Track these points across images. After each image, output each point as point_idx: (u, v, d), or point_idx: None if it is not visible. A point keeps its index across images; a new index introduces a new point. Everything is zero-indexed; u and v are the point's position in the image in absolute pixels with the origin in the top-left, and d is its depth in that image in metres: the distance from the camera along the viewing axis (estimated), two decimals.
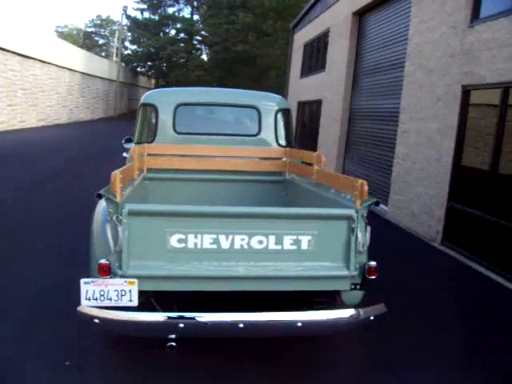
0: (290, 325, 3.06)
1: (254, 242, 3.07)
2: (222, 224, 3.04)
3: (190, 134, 5.12)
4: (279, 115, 5.24)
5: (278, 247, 3.10)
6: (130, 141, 6.35)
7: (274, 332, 3.16)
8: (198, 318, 2.95)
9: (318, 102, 15.81)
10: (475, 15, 7.28)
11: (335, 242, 3.18)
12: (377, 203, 3.19)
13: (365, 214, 3.18)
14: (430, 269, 6.47)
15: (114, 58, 49.93)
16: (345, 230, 3.18)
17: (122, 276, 2.92)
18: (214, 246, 3.03)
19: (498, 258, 6.34)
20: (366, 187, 3.16)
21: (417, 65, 8.97)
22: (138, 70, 42.14)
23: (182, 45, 39.58)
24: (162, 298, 3.23)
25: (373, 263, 3.19)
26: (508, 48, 6.33)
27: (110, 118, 34.22)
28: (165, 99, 5.10)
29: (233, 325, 2.97)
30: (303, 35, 18.88)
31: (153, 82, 46.72)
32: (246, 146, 5.14)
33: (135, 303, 2.95)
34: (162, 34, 40.01)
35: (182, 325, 2.92)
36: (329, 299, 3.43)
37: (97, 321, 2.90)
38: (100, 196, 2.90)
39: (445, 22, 7.99)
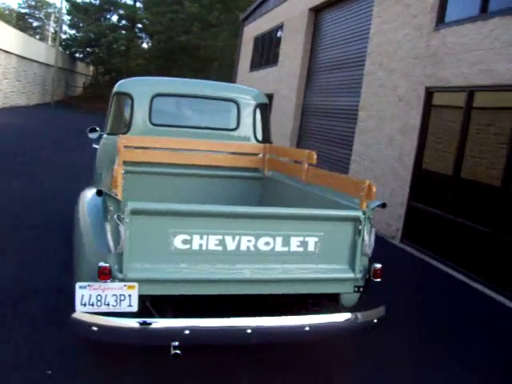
0: (299, 329, 2.96)
1: (261, 244, 2.94)
2: (229, 224, 2.88)
3: (167, 126, 4.88)
4: (258, 110, 5.11)
5: (285, 249, 2.99)
6: (94, 130, 6.00)
7: (282, 337, 3.05)
8: (204, 324, 2.78)
9: (269, 96, 15.74)
10: (440, 19, 7.43)
11: (341, 243, 3.11)
12: (383, 205, 3.14)
13: (371, 216, 3.11)
14: (389, 263, 6.57)
15: (49, 42, 47.79)
16: (351, 232, 3.11)
17: (122, 280, 2.70)
18: (220, 248, 2.87)
19: (453, 253, 6.53)
20: (374, 189, 3.09)
21: (378, 64, 9.07)
22: (77, 55, 40.47)
23: (124, 32, 38.37)
24: (156, 302, 3.03)
25: (378, 265, 3.15)
26: (474, 53, 6.50)
27: (47, 104, 32.67)
28: (141, 89, 4.83)
29: (240, 330, 2.84)
30: (254, 28, 18.76)
31: (91, 68, 45.07)
32: (224, 140, 4.96)
33: (135, 308, 2.74)
34: (102, 20, 38.61)
35: (187, 331, 2.74)
36: (327, 302, 3.35)
37: (95, 328, 2.67)
38: (100, 193, 2.66)
39: (409, 23, 8.11)
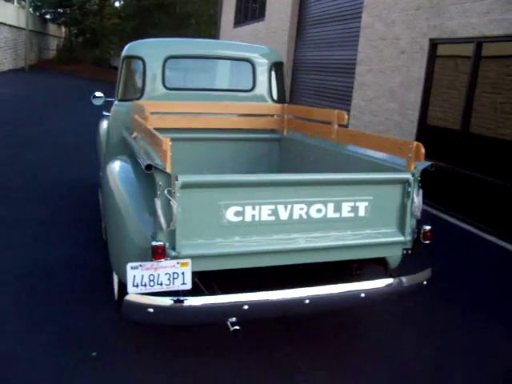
0: (354, 296, 2.94)
1: (313, 211, 2.86)
2: (281, 193, 2.79)
3: (181, 89, 4.69)
4: (273, 69, 4.93)
5: (337, 215, 2.92)
6: (97, 96, 5.77)
7: (338, 305, 3.03)
8: (263, 298, 2.73)
9: None
10: None
11: (390, 207, 3.06)
12: (432, 166, 3.07)
13: (419, 178, 3.05)
14: None
15: (15, 3, 45.71)
16: (400, 195, 3.05)
17: (175, 257, 2.60)
18: (273, 218, 2.79)
19: (464, 206, 6.57)
20: (423, 150, 3.01)
21: (376, 16, 8.86)
22: (47, 17, 38.86)
23: None
24: (200, 279, 2.94)
25: (428, 227, 3.10)
26: (483, 2, 6.35)
27: (20, 69, 31.56)
28: (153, 51, 4.61)
29: (299, 301, 2.80)
30: None
31: (63, 30, 43.41)
32: (241, 101, 4.81)
33: (189, 286, 2.67)
34: None
35: (246, 306, 2.69)
36: (371, 265, 3.31)
37: (151, 310, 2.59)
38: (150, 167, 2.52)
39: None
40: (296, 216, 2.83)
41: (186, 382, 2.91)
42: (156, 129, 4.13)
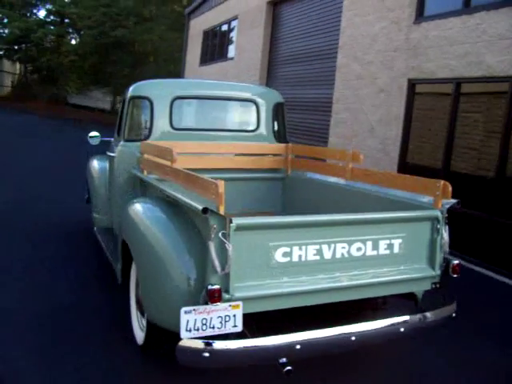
0: (395, 330, 3.00)
1: (354, 250, 2.95)
2: (325, 233, 2.86)
3: (188, 129, 4.74)
4: (276, 109, 5.06)
5: (375, 253, 3.01)
6: (94, 136, 5.77)
7: (380, 339, 3.08)
8: (312, 337, 2.75)
9: None
10: (419, 13, 7.64)
11: (421, 243, 3.19)
12: (458, 203, 3.21)
13: (446, 215, 3.18)
14: None
15: None
16: (429, 231, 3.17)
17: (229, 300, 2.60)
18: (318, 258, 2.85)
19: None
20: (449, 188, 3.15)
21: (352, 56, 9.22)
22: (1, 53, 38.25)
23: (53, 27, 36.63)
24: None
25: (456, 261, 3.22)
26: (461, 46, 6.75)
27: None
28: (160, 92, 4.65)
29: (346, 338, 2.83)
30: (203, 22, 18.51)
31: (18, 67, 42.74)
32: (245, 141, 4.89)
33: (239, 328, 2.66)
34: (29, 15, 36.65)
35: (298, 346, 2.70)
36: (396, 300, 3.38)
37: (207, 354, 2.56)
38: (206, 211, 2.54)
39: (385, 17, 8.29)
40: (338, 255, 2.90)
41: None
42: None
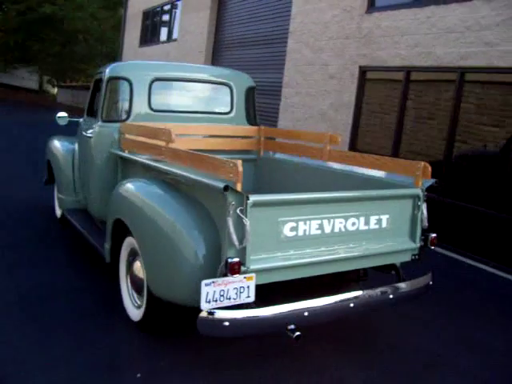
0: (386, 298, 3.30)
1: (349, 225, 3.21)
2: (326, 209, 3.09)
3: (166, 111, 4.81)
4: (249, 93, 5.22)
5: (366, 227, 3.29)
6: (62, 116, 5.71)
7: (374, 307, 3.35)
8: (318, 304, 2.99)
9: None
10: (371, 3, 8.00)
11: (404, 218, 3.49)
12: (436, 182, 3.55)
13: (425, 193, 3.51)
14: None
15: None
16: (411, 208, 3.49)
17: (245, 272, 2.78)
18: (319, 232, 3.08)
19: None
20: (429, 169, 3.48)
21: (302, 43, 9.49)
22: None
23: None
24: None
25: (433, 235, 3.57)
26: (411, 36, 7.17)
27: None
28: (139, 73, 4.67)
29: (345, 305, 3.09)
30: (142, 1, 18.14)
31: None
32: (220, 124, 5.03)
33: (252, 299, 2.86)
34: None
35: (306, 313, 2.93)
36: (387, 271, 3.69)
37: (226, 323, 2.74)
38: (227, 188, 2.70)
39: (337, 5, 8.61)
40: (337, 229, 3.16)
41: None
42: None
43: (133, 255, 3.78)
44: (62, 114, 5.71)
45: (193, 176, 3.12)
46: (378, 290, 3.29)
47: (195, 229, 3.04)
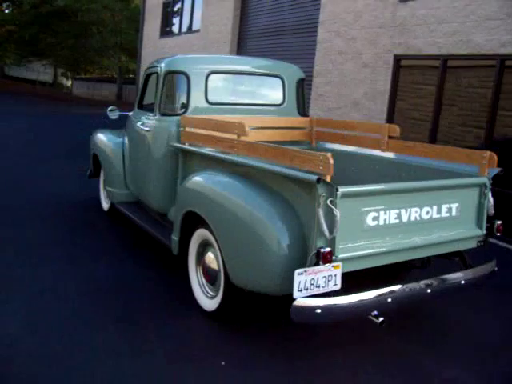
0: (458, 284, 3.41)
1: (424, 213, 3.31)
2: (403, 199, 3.19)
3: (222, 104, 4.91)
4: (299, 85, 5.31)
5: (439, 215, 3.39)
6: (113, 110, 5.88)
7: (446, 292, 3.46)
8: (400, 290, 3.10)
9: None
10: None
11: (472, 206, 3.58)
12: (501, 171, 3.64)
13: (491, 181, 3.60)
14: None
15: None
16: (478, 196, 3.59)
17: (334, 261, 2.90)
18: (398, 221, 3.19)
19: None
20: (495, 158, 3.56)
21: (334, 32, 9.53)
22: None
23: None
24: None
25: (499, 222, 3.66)
26: (449, 24, 7.19)
27: None
28: (196, 67, 4.77)
29: (423, 291, 3.21)
30: None
31: None
32: (273, 115, 5.12)
33: (339, 286, 2.97)
34: None
35: (389, 299, 3.05)
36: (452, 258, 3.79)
37: (319, 311, 2.86)
38: (319, 180, 2.80)
39: None
40: (413, 218, 3.26)
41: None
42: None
43: (203, 247, 3.91)
44: (112, 107, 5.85)
45: (279, 169, 3.21)
46: (451, 276, 3.40)
47: (278, 219, 3.13)
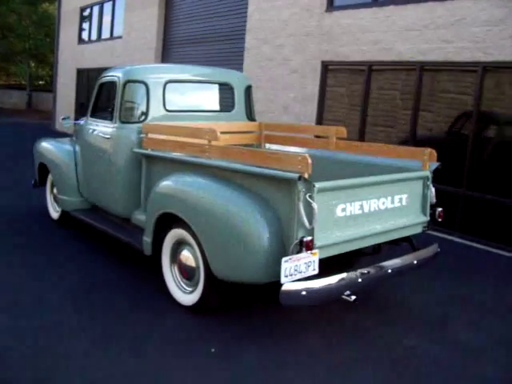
0: (412, 264, 3.91)
1: (381, 204, 3.78)
2: (364, 192, 3.64)
3: (179, 111, 5.15)
4: (247, 91, 5.67)
5: (392, 205, 3.88)
6: (67, 118, 5.95)
7: (403, 271, 3.93)
8: (370, 271, 3.54)
9: None
10: (331, 2, 8.61)
11: (417, 197, 4.11)
12: (440, 165, 4.20)
13: (432, 174, 4.16)
14: None
15: None
16: (421, 187, 4.12)
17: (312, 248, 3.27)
18: (360, 212, 3.64)
19: None
20: (435, 154, 4.11)
21: (261, 40, 9.98)
22: None
23: None
24: None
25: (440, 209, 4.21)
26: (372, 34, 7.86)
27: None
28: (154, 76, 4.98)
29: (386, 271, 3.67)
30: None
31: None
32: (225, 121, 5.44)
33: (317, 271, 3.34)
34: None
35: (360, 279, 3.47)
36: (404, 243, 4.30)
37: (304, 293, 3.22)
38: (300, 178, 3.16)
39: (295, 4, 9.17)
40: (373, 209, 3.72)
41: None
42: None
43: (177, 246, 4.15)
44: (65, 116, 5.95)
45: (257, 169, 3.52)
46: (407, 258, 3.90)
47: (257, 214, 3.44)
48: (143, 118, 4.92)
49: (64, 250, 5.36)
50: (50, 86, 33.43)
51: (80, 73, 17.82)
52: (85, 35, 17.63)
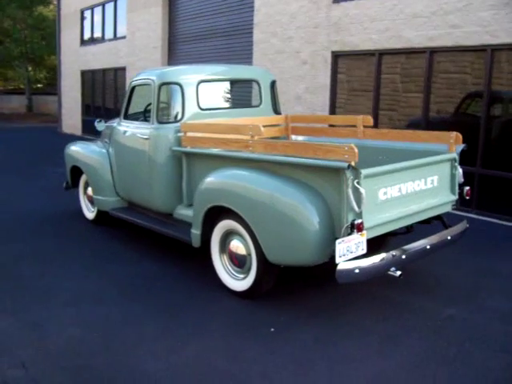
0: (447, 240, 4.24)
1: (416, 186, 4.09)
2: (401, 176, 3.95)
3: (212, 109, 5.44)
4: (272, 86, 5.96)
5: (425, 187, 4.20)
6: (100, 121, 6.27)
7: (440, 247, 4.26)
8: (410, 249, 3.86)
9: (121, 70, 15.68)
10: None
11: (446, 177, 4.42)
12: (466, 147, 4.51)
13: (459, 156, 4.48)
14: None
15: None
16: (449, 168, 4.44)
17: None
18: (399, 194, 3.94)
19: None
20: (460, 136, 4.42)
21: (270, 33, 10.23)
22: None
23: None
24: None
25: (468, 187, 4.53)
26: (380, 22, 8.12)
27: None
28: (187, 77, 5.26)
29: (425, 248, 4.00)
30: (77, 0, 17.99)
31: None
32: (253, 116, 5.73)
33: (365, 250, 3.67)
34: None
35: (404, 256, 3.80)
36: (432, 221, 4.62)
37: (357, 271, 3.54)
38: (349, 167, 3.46)
39: None
40: (410, 190, 4.03)
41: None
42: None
43: (225, 236, 4.46)
44: (99, 119, 6.29)
45: (307, 161, 3.82)
46: (442, 235, 4.23)
47: (307, 202, 3.73)
48: (180, 117, 5.21)
49: (108, 248, 5.66)
50: (48, 89, 33.69)
51: (84, 74, 18.05)
52: (87, 37, 17.81)
